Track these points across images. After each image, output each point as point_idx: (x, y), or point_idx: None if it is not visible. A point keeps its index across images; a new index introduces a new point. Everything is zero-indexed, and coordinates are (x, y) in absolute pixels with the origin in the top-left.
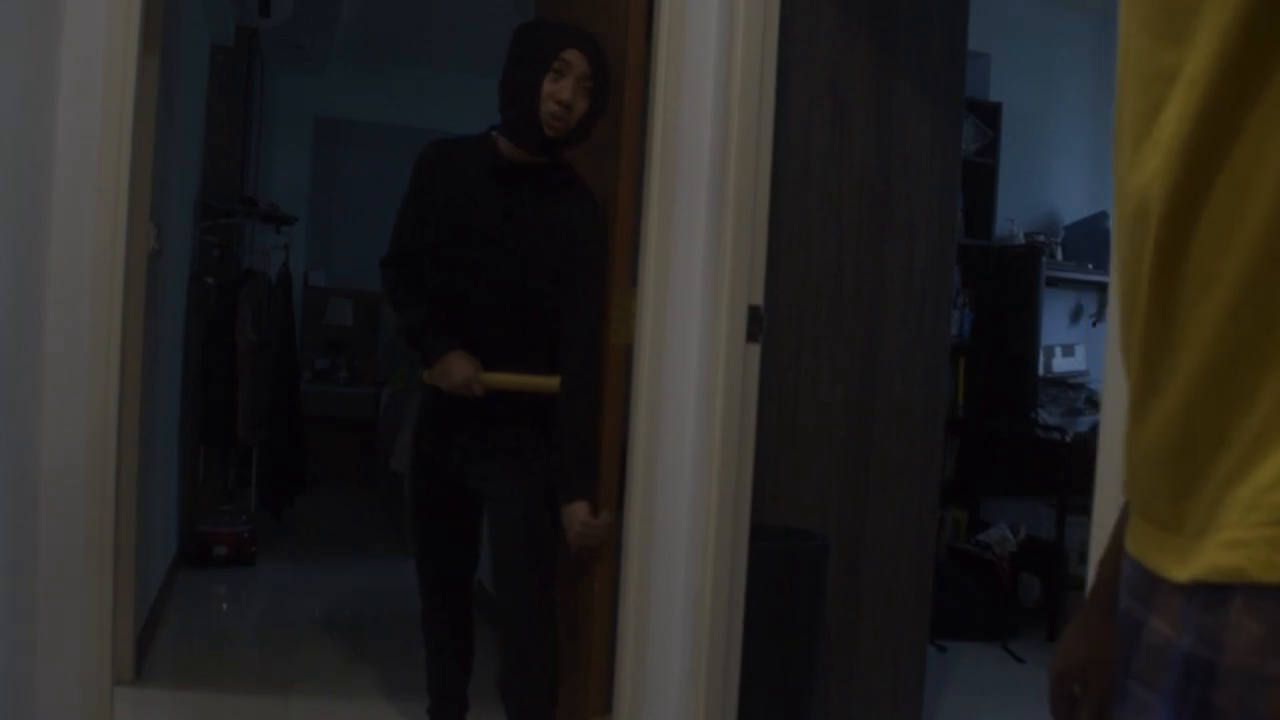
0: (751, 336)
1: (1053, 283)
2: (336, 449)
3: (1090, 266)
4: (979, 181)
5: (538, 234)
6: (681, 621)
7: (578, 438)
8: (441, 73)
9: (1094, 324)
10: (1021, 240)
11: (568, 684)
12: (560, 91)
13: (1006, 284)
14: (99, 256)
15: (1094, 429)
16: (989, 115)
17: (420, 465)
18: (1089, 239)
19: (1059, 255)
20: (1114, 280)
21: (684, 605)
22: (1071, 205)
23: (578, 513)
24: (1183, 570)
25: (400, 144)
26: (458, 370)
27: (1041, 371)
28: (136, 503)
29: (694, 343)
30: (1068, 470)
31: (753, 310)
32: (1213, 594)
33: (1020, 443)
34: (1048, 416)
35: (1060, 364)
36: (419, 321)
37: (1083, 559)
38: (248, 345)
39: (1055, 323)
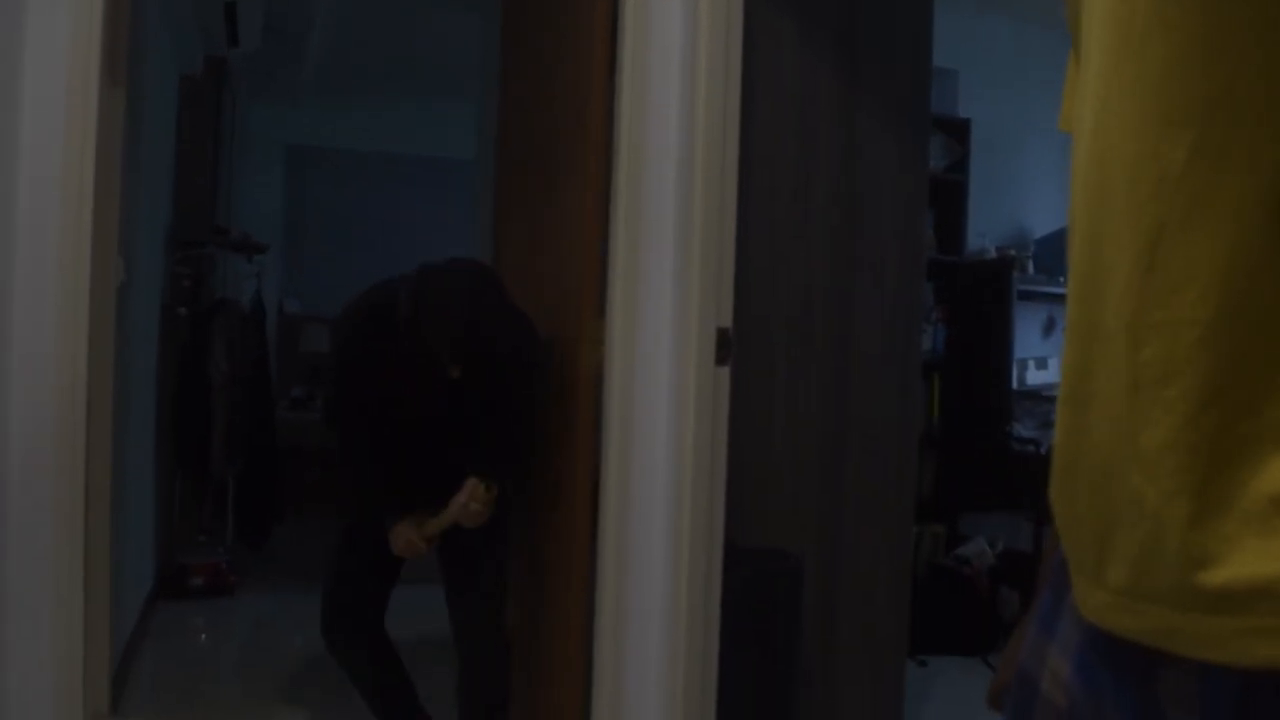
0: (721, 360)
1: (1025, 296)
2: (315, 477)
3: (1061, 280)
4: (949, 197)
5: (465, 378)
6: (658, 644)
7: (506, 436)
8: (412, 99)
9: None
10: (993, 255)
11: (545, 711)
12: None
13: (979, 299)
14: (64, 291)
15: None
16: (958, 131)
17: (359, 532)
18: (1060, 252)
19: (1030, 269)
20: None
21: (660, 628)
22: (1042, 219)
23: (472, 487)
24: None
25: (373, 170)
26: (404, 540)
27: (1015, 385)
28: (110, 534)
29: (664, 367)
30: (1044, 483)
31: (721, 333)
32: None
33: (996, 456)
34: (1023, 430)
35: (1034, 377)
36: (370, 488)
37: None
38: (221, 376)
39: (1028, 336)
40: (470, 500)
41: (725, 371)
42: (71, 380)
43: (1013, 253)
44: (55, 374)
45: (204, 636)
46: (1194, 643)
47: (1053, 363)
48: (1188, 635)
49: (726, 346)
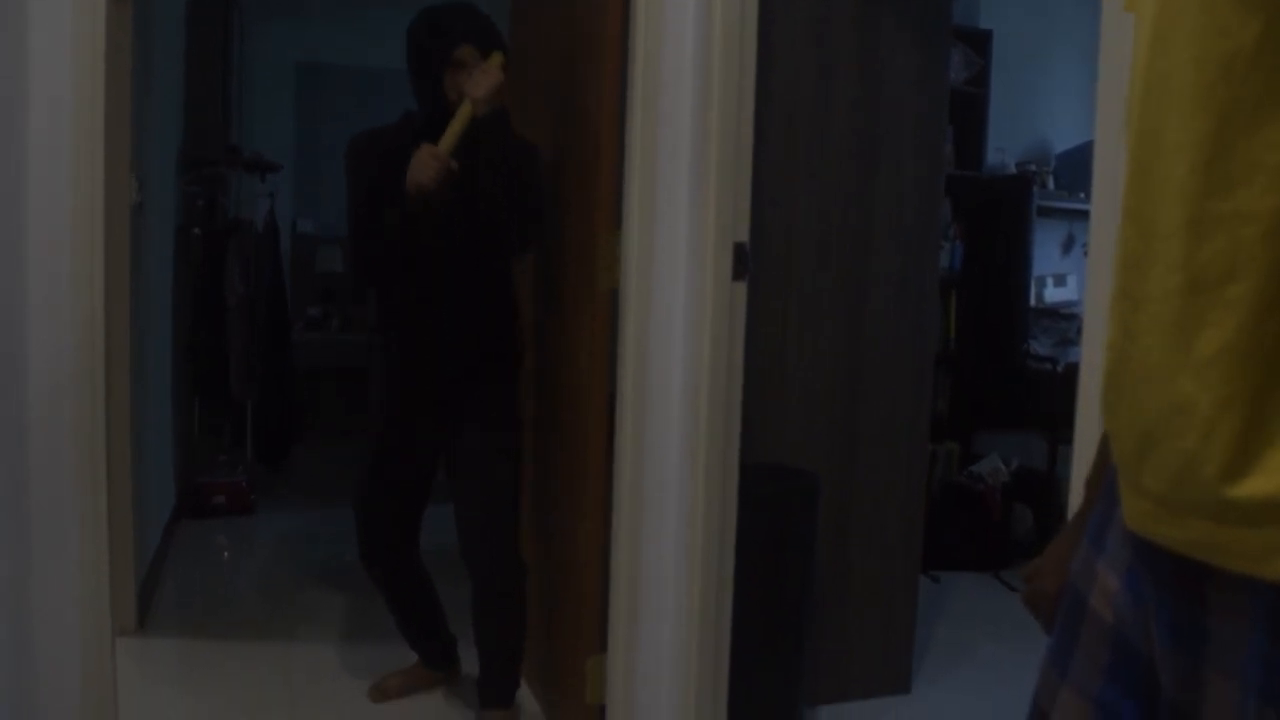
0: (737, 275)
1: (1044, 212)
2: (332, 396)
3: (1082, 195)
4: (969, 111)
5: (473, 175)
6: (674, 559)
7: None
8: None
9: (1086, 253)
10: (1013, 170)
11: (562, 627)
12: (460, 83)
13: (998, 215)
14: (78, 212)
15: None
16: (979, 43)
17: (390, 422)
18: (1081, 168)
19: (1050, 185)
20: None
21: (676, 543)
22: (1063, 134)
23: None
24: None
25: (383, 87)
26: (422, 157)
27: (1033, 302)
28: (131, 454)
29: (680, 283)
30: (1059, 400)
31: (738, 248)
32: None
33: (1012, 374)
34: (1039, 347)
35: (1052, 294)
36: (376, 208)
37: None
38: (237, 296)
39: (1047, 253)
40: (483, 71)
41: (742, 286)
42: (89, 302)
43: (1033, 168)
44: (72, 296)
45: (226, 554)
46: (1234, 555)
47: (1071, 280)
48: (1228, 548)
49: (743, 261)
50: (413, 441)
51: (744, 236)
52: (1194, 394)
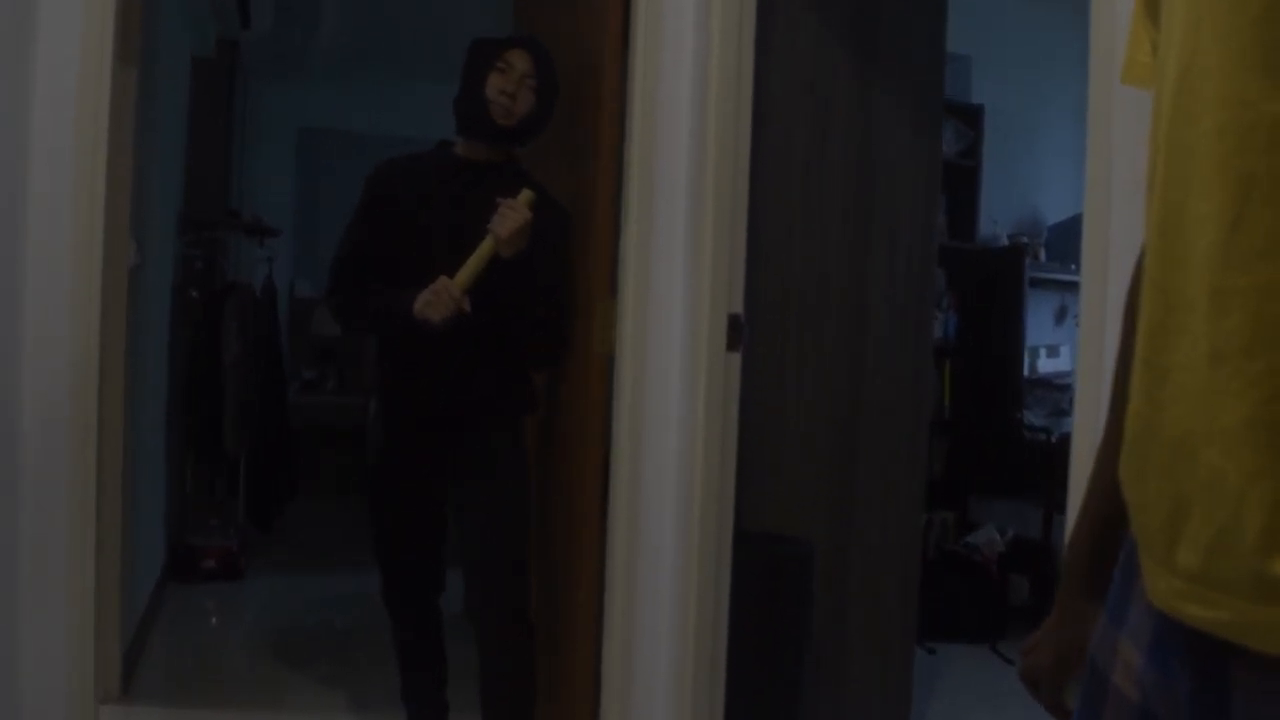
0: (732, 345)
1: (1037, 283)
2: (327, 458)
3: (1074, 267)
4: (962, 183)
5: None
6: (668, 630)
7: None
8: (425, 82)
9: (1078, 324)
10: (1005, 242)
11: (556, 694)
12: (505, 84)
13: (991, 286)
14: (77, 272)
15: None
16: (971, 117)
17: (388, 471)
18: (1073, 239)
19: (1042, 256)
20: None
21: (670, 613)
22: (1055, 206)
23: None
24: None
25: (384, 153)
26: (436, 304)
27: (1027, 372)
28: (121, 516)
29: (675, 352)
30: (1054, 470)
31: (732, 319)
32: None
33: (1007, 444)
34: (1033, 417)
35: (1045, 365)
36: (380, 299)
37: None
38: (232, 358)
39: (1040, 323)
40: (509, 208)
41: (736, 357)
42: (84, 362)
43: (1025, 240)
44: (68, 356)
45: (214, 619)
46: (1266, 636)
47: (1064, 350)
48: (1260, 627)
49: (738, 332)
50: (413, 489)
51: (738, 307)
52: (1223, 466)
